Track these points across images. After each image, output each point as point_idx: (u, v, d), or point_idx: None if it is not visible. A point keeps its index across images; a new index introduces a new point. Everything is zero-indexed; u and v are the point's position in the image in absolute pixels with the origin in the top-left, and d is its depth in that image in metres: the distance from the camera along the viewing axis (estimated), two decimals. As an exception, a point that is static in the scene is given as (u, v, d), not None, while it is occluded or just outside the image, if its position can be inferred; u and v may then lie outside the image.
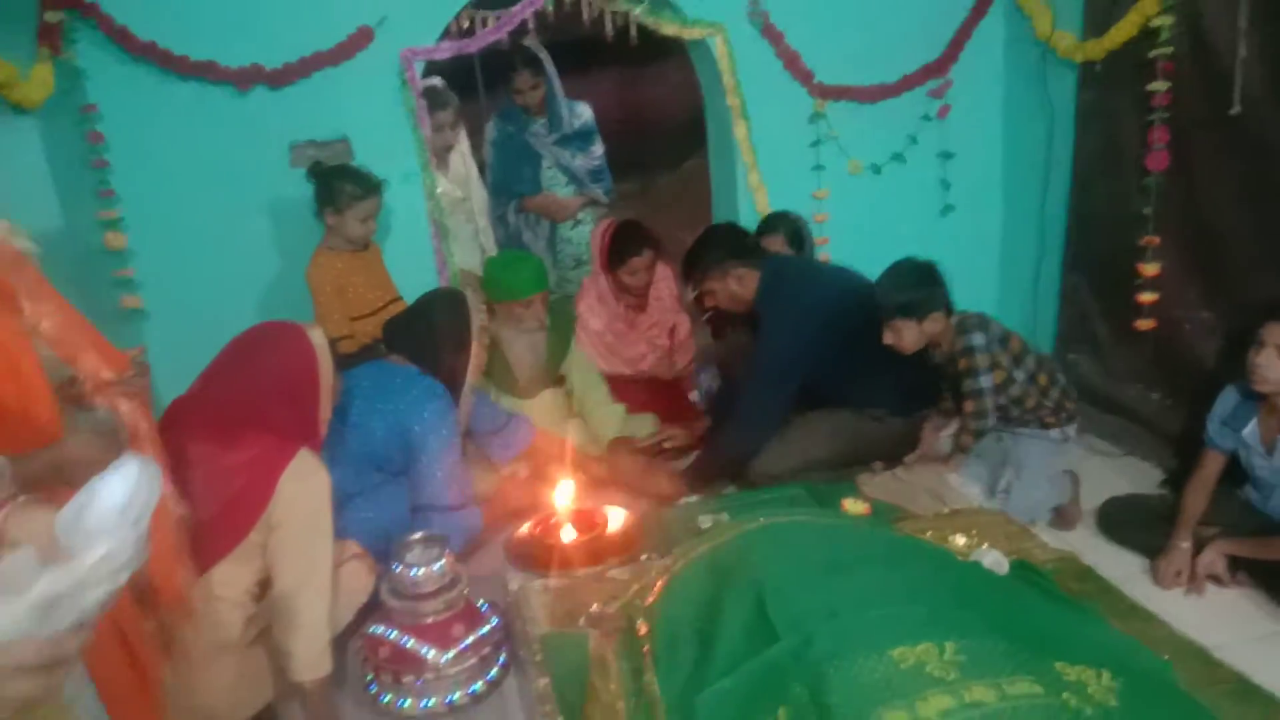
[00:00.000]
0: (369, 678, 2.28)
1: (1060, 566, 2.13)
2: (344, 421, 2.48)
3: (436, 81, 3.72)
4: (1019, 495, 2.60)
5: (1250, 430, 2.43)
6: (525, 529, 2.45)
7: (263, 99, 3.23)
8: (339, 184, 3.05)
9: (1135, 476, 3.03)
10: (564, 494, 2.44)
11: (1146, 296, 3.12)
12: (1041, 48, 3.50)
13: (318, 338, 2.09)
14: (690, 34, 3.49)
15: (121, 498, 0.93)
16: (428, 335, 2.69)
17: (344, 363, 2.56)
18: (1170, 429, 3.06)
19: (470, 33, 3.46)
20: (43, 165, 2.76)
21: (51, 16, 2.82)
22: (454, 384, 2.68)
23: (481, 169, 4.04)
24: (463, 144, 3.91)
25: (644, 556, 2.28)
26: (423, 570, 2.24)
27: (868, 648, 1.58)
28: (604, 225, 3.56)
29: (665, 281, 3.67)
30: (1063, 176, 3.54)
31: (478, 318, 2.75)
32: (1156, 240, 3.09)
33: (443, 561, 2.27)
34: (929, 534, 2.22)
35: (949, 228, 3.92)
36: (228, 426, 1.95)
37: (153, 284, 3.23)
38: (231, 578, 1.91)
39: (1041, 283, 3.74)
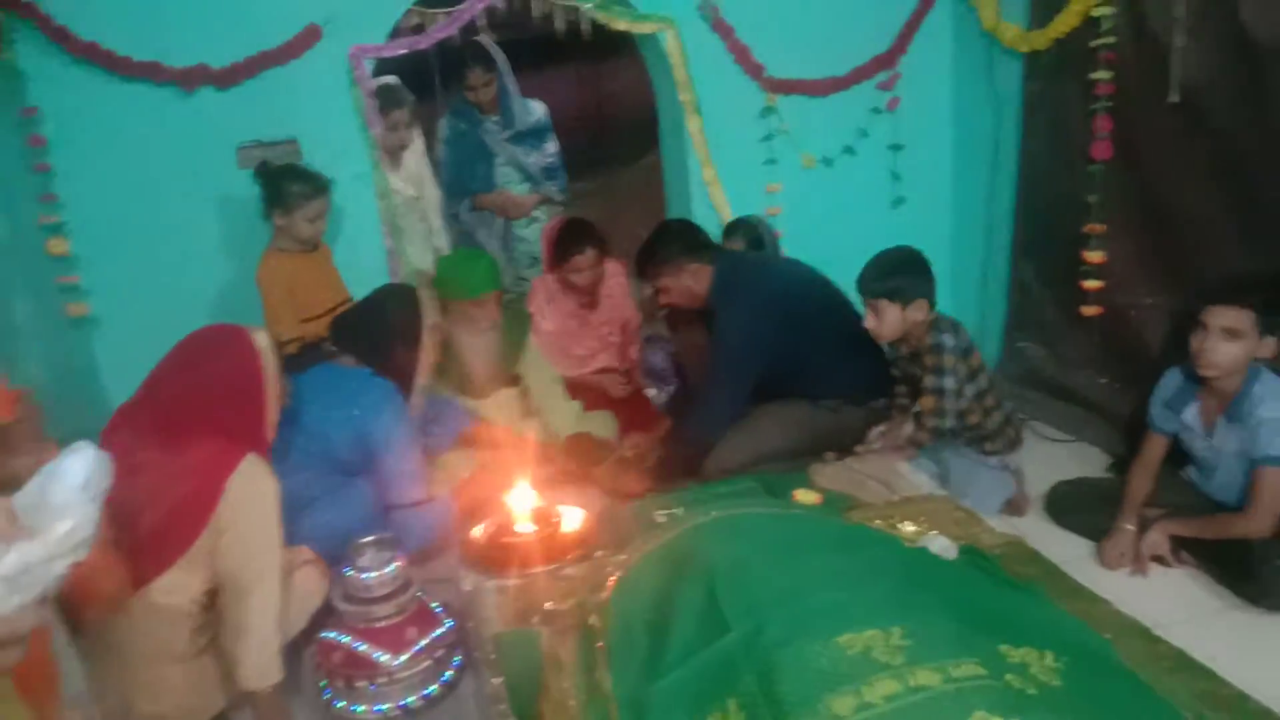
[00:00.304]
0: (323, 684, 2.25)
1: (1007, 551, 2.16)
2: (299, 427, 2.46)
3: (391, 80, 3.68)
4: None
5: (1190, 413, 2.48)
6: (479, 530, 2.44)
7: (209, 99, 3.19)
8: (286, 184, 3.02)
9: (1084, 462, 3.09)
10: (519, 494, 2.43)
11: (1092, 284, 3.17)
12: (988, 39, 3.55)
13: (262, 340, 2.06)
14: (641, 29, 3.49)
15: (81, 476, 0.98)
16: (379, 331, 2.67)
17: (292, 364, 2.54)
18: (1119, 413, 3.11)
19: (420, 30, 3.45)
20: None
21: (-13, 18, 2.78)
22: (406, 381, 2.66)
23: (436, 167, 4.02)
24: (417, 142, 3.88)
25: (598, 554, 2.28)
26: (375, 574, 2.22)
27: (816, 635, 1.59)
28: (551, 224, 3.56)
29: (615, 278, 3.66)
30: (1010, 166, 3.58)
31: (430, 314, 2.73)
32: (1101, 228, 3.14)
33: (394, 565, 2.25)
34: (877, 522, 2.24)
35: (900, 219, 3.96)
36: (173, 431, 1.92)
37: (100, 290, 3.18)
38: (178, 585, 1.88)
39: (990, 271, 3.80)
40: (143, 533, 1.71)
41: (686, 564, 1.93)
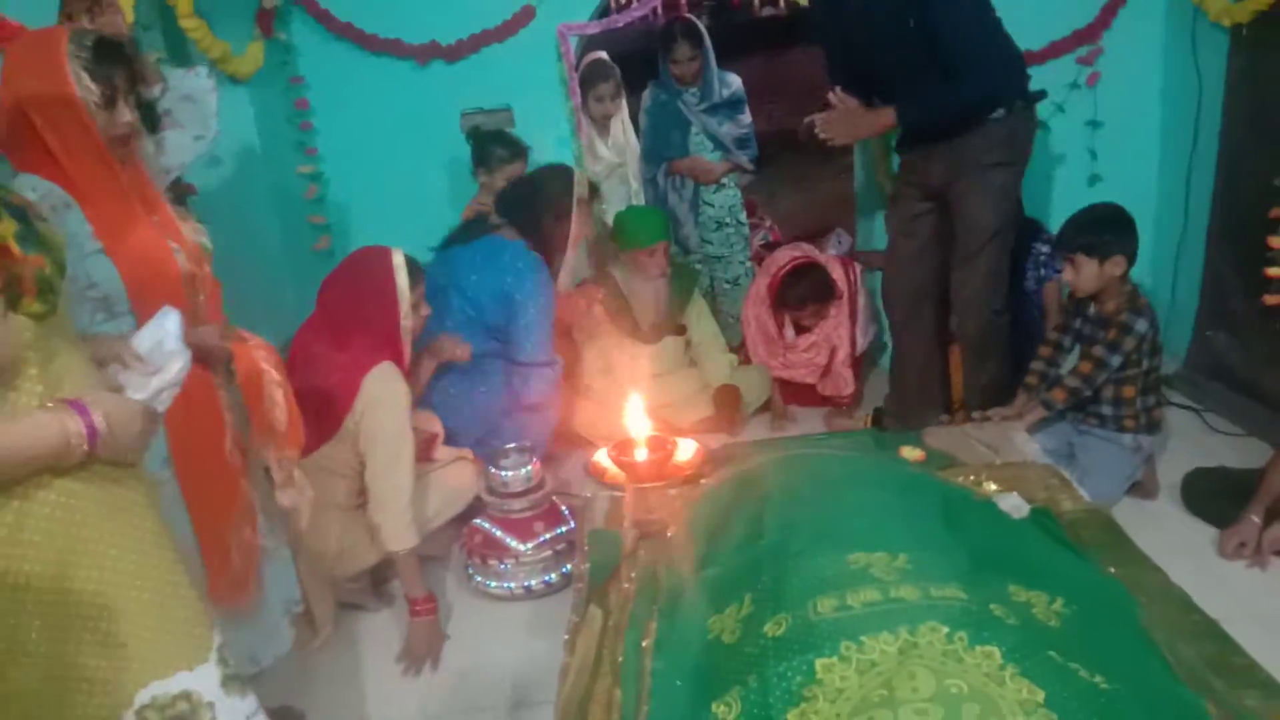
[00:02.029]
0: (468, 563, 2.71)
1: (1084, 518, 2.20)
2: (459, 291, 2.95)
3: (601, 55, 4.07)
4: (1087, 490, 2.61)
5: None
6: (605, 451, 2.78)
7: (439, 71, 3.73)
8: (491, 147, 3.48)
9: (1248, 455, 2.94)
10: (639, 422, 2.75)
11: (1276, 271, 2.99)
12: (1195, 11, 3.38)
13: (398, 260, 2.47)
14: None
15: (178, 329, 1.37)
16: (533, 204, 3.04)
17: (461, 234, 3.11)
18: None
19: (626, 7, 3.80)
20: (252, 127, 3.38)
21: (268, 2, 3.43)
22: (554, 252, 3.05)
23: (638, 134, 4.35)
24: (622, 112, 4.22)
25: (702, 481, 2.56)
26: (511, 474, 2.64)
27: (830, 550, 1.79)
28: (782, 260, 3.67)
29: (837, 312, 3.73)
30: (1211, 147, 3.41)
31: (581, 190, 3.05)
32: (1292, 213, 2.95)
33: (528, 468, 2.66)
34: (960, 479, 2.34)
35: (1096, 197, 3.83)
36: (333, 333, 2.40)
37: (340, 230, 3.82)
38: (334, 454, 2.37)
39: (1185, 256, 3.62)
40: (310, 411, 2.17)
41: (751, 487, 2.18)
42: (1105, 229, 2.72)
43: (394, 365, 2.38)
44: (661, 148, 4.23)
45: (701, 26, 4.03)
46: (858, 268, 3.69)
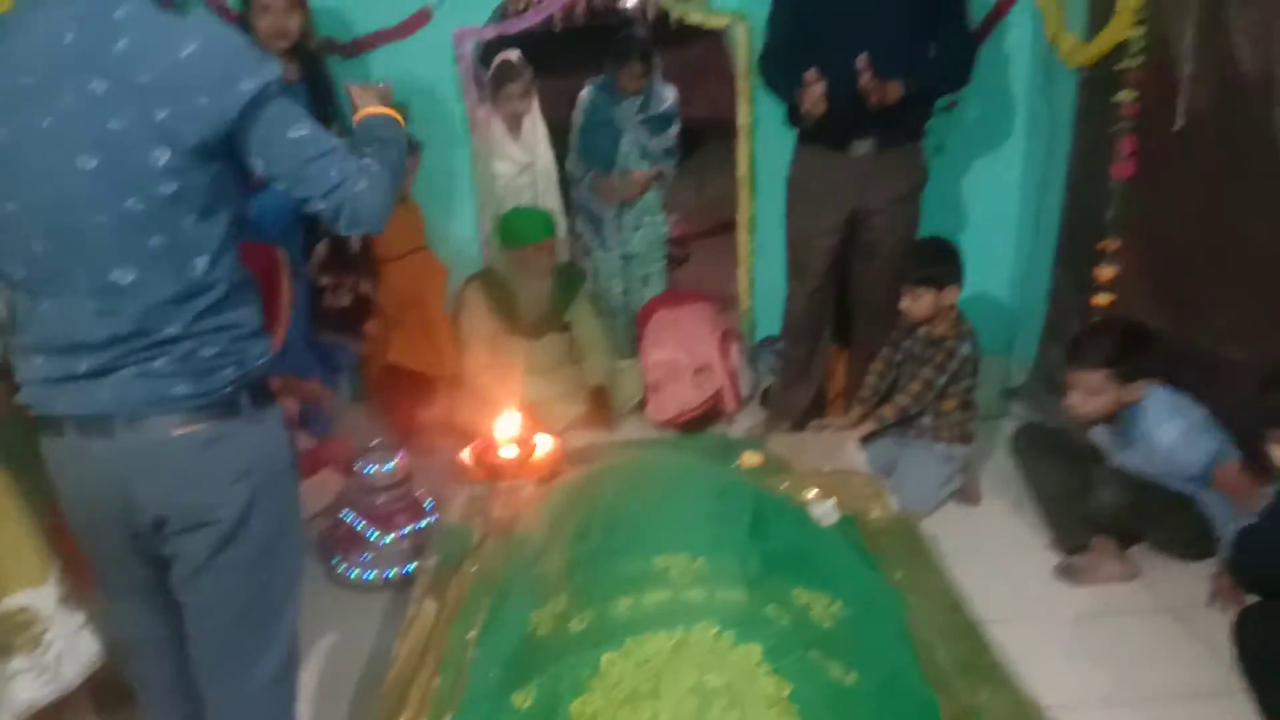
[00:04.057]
0: (332, 553, 2.84)
1: (888, 525, 2.43)
2: None
3: (511, 55, 4.18)
4: (906, 497, 2.84)
5: (1100, 432, 2.71)
6: (469, 450, 2.94)
7: (335, 68, 3.79)
8: None
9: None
10: (507, 420, 2.91)
11: (1100, 299, 3.26)
12: (1049, 48, 3.62)
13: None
14: (713, 22, 3.80)
15: None
16: None
17: None
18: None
19: (524, 12, 3.91)
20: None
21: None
22: None
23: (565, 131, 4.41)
24: (534, 112, 4.34)
25: (556, 479, 2.73)
26: (375, 468, 2.79)
27: (638, 553, 2.00)
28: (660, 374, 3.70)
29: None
30: (1060, 177, 3.66)
31: None
32: (1115, 244, 3.21)
33: (392, 463, 2.81)
34: (786, 484, 2.56)
35: (964, 217, 4.10)
36: None
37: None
38: None
39: (1032, 277, 3.89)
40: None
41: (588, 488, 2.38)
42: (941, 263, 2.97)
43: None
44: (590, 150, 4.34)
45: (651, 43, 4.17)
46: (732, 346, 3.85)
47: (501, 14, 3.91)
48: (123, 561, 1.57)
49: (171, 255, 1.40)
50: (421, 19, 3.78)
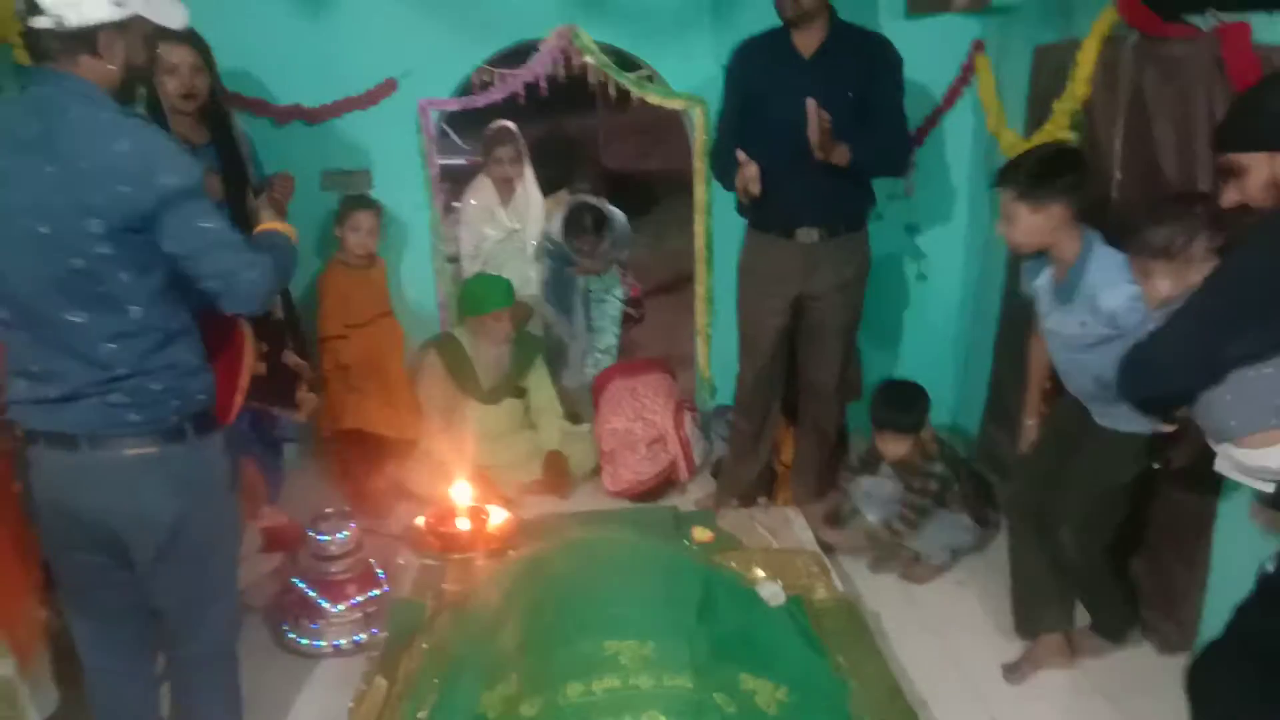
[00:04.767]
0: (282, 620, 2.84)
1: (833, 607, 2.51)
2: None
3: (504, 123, 4.30)
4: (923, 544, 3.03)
5: (1044, 279, 2.60)
6: (422, 519, 2.97)
7: (299, 132, 3.86)
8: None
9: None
10: (460, 491, 2.95)
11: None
12: (990, 140, 3.81)
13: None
14: (672, 105, 3.94)
15: None
16: None
17: None
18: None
19: (488, 86, 4.01)
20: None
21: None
22: None
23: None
24: (527, 177, 4.44)
25: (510, 552, 2.77)
26: (328, 538, 2.80)
27: (590, 636, 2.04)
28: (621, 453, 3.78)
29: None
30: (1000, 264, 3.83)
31: None
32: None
33: (345, 533, 2.82)
34: (733, 564, 2.62)
35: (917, 291, 4.26)
36: None
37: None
38: None
39: (974, 358, 4.04)
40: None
41: (541, 567, 2.41)
42: (914, 409, 3.13)
43: None
44: (555, 296, 4.50)
45: (604, 209, 4.36)
46: (685, 417, 3.94)
47: (466, 89, 4.02)
48: (79, 554, 1.92)
49: (110, 302, 1.75)
50: (387, 89, 3.87)
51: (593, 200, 4.36)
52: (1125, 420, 2.45)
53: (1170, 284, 2.14)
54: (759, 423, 3.49)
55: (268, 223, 2.11)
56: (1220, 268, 1.95)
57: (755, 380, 3.41)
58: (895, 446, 3.11)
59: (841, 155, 2.96)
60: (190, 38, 2.94)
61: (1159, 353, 1.99)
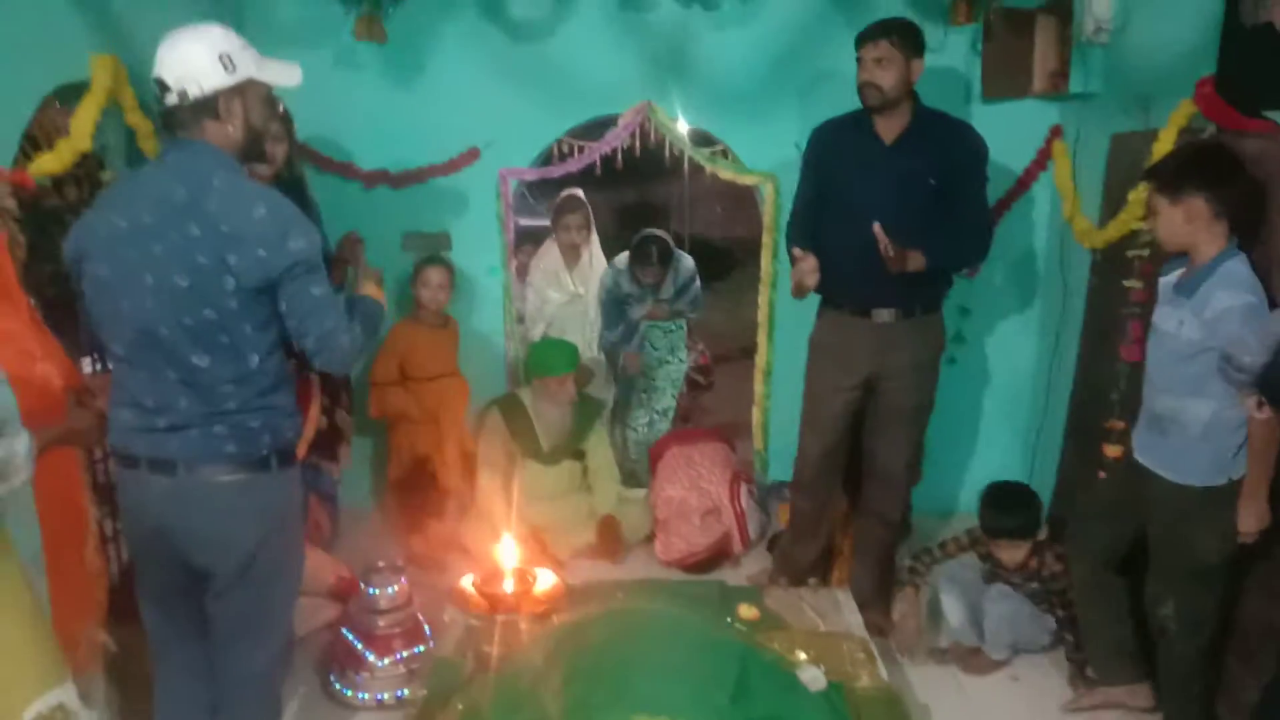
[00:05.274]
0: (330, 668, 2.90)
1: (875, 695, 2.45)
2: None
3: (576, 191, 4.43)
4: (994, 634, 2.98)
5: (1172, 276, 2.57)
6: (470, 579, 3.02)
7: (384, 195, 4.04)
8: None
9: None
10: (508, 552, 2.99)
11: (1105, 473, 3.30)
12: (1065, 227, 3.76)
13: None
14: (744, 180, 4.01)
15: (27, 450, 1.59)
16: None
17: None
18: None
19: (569, 156, 4.13)
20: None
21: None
22: None
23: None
24: (593, 245, 4.55)
25: (554, 615, 2.79)
26: (378, 590, 2.87)
27: (619, 707, 2.04)
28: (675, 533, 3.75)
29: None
30: (1072, 352, 3.76)
31: None
32: (1121, 424, 3.27)
33: (395, 587, 2.88)
34: (777, 644, 2.59)
35: (989, 378, 4.20)
36: None
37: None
38: None
39: (1042, 447, 3.95)
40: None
41: (579, 634, 2.42)
42: (1028, 512, 3.06)
43: None
44: (612, 323, 4.49)
45: (671, 244, 4.40)
46: (741, 489, 3.91)
47: (546, 158, 4.16)
48: (163, 569, 2.08)
49: (234, 350, 1.94)
50: (470, 157, 4.03)
51: (661, 233, 4.38)
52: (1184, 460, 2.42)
53: None
54: (820, 503, 3.43)
55: (364, 289, 2.28)
56: None
57: (819, 459, 3.33)
58: (1012, 554, 3.02)
59: (917, 263, 2.95)
60: (281, 115, 3.16)
61: None
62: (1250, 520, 2.33)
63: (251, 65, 1.98)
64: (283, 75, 2.07)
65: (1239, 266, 2.39)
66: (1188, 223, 2.39)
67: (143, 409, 1.96)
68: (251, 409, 1.98)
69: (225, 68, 1.93)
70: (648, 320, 4.50)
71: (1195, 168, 2.41)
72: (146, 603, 2.16)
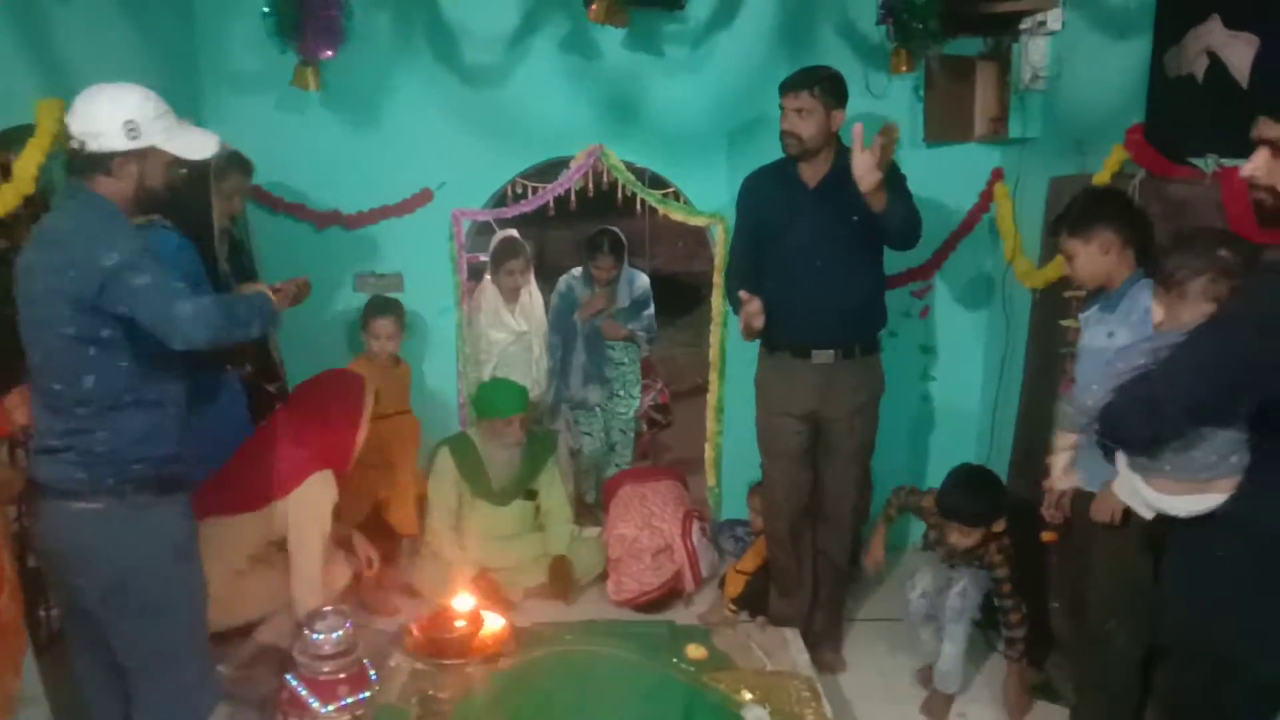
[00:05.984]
0: (275, 715, 2.86)
1: (820, 735, 2.46)
2: None
3: (511, 233, 4.44)
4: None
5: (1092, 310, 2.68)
6: (415, 622, 3.00)
7: (336, 236, 4.05)
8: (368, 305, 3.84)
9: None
10: (457, 596, 2.98)
11: (1052, 512, 3.36)
12: (1008, 266, 3.86)
13: (369, 398, 3.07)
14: (695, 222, 4.06)
15: None
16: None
17: None
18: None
19: (522, 197, 4.17)
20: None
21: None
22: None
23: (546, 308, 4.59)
24: (531, 285, 4.56)
25: (502, 659, 2.77)
26: (322, 636, 2.83)
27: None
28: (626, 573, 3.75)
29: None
30: (1015, 386, 3.83)
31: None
32: (1061, 460, 3.33)
33: (340, 632, 2.85)
34: (724, 684, 2.60)
35: (936, 406, 4.27)
36: (297, 425, 3.04)
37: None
38: (246, 525, 2.95)
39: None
40: (242, 479, 2.89)
41: (524, 679, 2.42)
42: (990, 498, 3.11)
43: (331, 474, 3.02)
44: (562, 331, 4.53)
45: (623, 239, 4.42)
46: (694, 526, 3.92)
47: (500, 199, 4.19)
48: (64, 596, 2.17)
49: (74, 372, 2.01)
50: (423, 199, 4.06)
51: (614, 229, 4.40)
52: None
53: (1162, 312, 2.14)
54: (799, 557, 3.38)
55: (254, 286, 2.42)
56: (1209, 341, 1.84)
57: (789, 491, 3.29)
58: (960, 538, 3.04)
59: (880, 199, 2.88)
60: (242, 165, 3.35)
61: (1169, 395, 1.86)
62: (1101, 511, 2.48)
63: (159, 134, 2.03)
64: (192, 148, 2.12)
65: (1149, 282, 2.43)
66: (1104, 254, 2.53)
67: (37, 432, 2.10)
68: (93, 431, 2.03)
69: (128, 133, 1.99)
70: (608, 337, 4.46)
71: (1098, 206, 2.58)
72: (66, 635, 2.24)
